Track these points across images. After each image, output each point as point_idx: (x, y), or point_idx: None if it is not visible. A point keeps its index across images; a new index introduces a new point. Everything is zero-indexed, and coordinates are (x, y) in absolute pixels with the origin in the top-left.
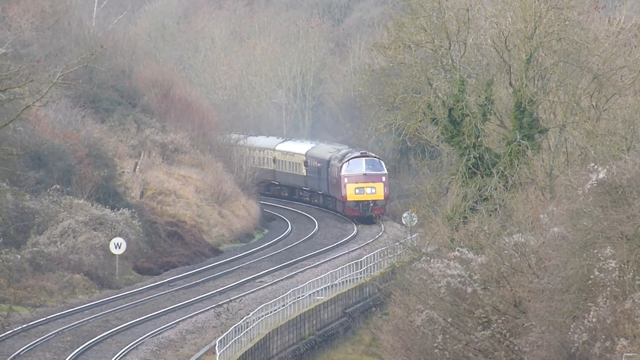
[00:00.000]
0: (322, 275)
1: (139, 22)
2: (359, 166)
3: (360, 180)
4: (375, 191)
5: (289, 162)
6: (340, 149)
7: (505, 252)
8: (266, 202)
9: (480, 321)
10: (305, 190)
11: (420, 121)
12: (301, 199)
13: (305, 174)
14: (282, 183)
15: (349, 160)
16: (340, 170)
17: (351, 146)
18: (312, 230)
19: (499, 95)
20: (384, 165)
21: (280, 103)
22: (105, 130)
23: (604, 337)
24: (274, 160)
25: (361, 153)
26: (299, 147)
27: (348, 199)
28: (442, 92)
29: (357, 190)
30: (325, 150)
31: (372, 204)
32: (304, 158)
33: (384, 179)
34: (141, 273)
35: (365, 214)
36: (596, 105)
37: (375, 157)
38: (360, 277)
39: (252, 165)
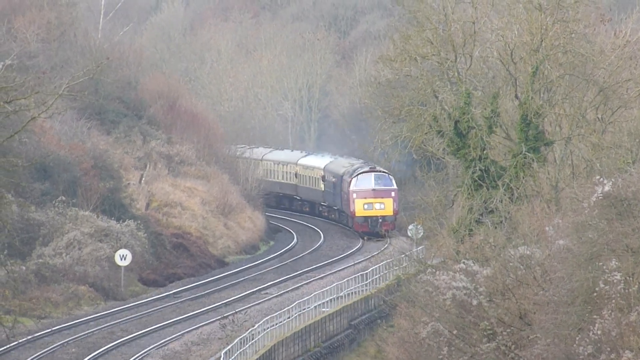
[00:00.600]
0: (328, 287)
1: (145, 34)
2: (368, 181)
3: (369, 195)
4: (385, 207)
5: (309, 176)
6: (354, 163)
7: (511, 264)
8: (279, 215)
9: (485, 333)
10: (323, 205)
11: (426, 133)
12: (321, 215)
13: (323, 189)
14: (303, 198)
15: (357, 175)
16: (349, 186)
17: (366, 160)
18: (317, 242)
19: (504, 107)
20: (393, 181)
21: (286, 115)
22: (111, 142)
23: (609, 349)
24: (296, 174)
25: (370, 168)
26: (318, 162)
27: (357, 215)
28: (448, 105)
29: (365, 206)
30: (341, 164)
31: (381, 220)
32: (322, 173)
33: (393, 194)
34: (146, 284)
35: (374, 230)
36: (602, 118)
37: (384, 172)
38: (366, 289)
39: (275, 180)
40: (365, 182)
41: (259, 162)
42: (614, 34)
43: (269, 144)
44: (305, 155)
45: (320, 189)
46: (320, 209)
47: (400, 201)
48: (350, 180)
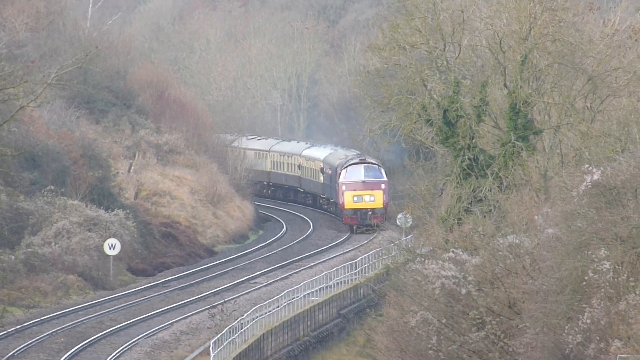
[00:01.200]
0: (317, 276)
1: (134, 23)
2: (358, 173)
3: (359, 187)
4: (374, 199)
5: (311, 168)
6: (349, 155)
7: (500, 253)
8: (270, 204)
9: (474, 322)
10: (323, 198)
11: (415, 122)
12: (321, 207)
13: (322, 181)
14: (306, 190)
15: (347, 167)
16: (339, 177)
17: (362, 152)
18: (307, 231)
19: (493, 96)
20: (383, 172)
21: (275, 104)
22: (100, 131)
23: (598, 338)
24: (299, 166)
25: (360, 159)
26: (319, 153)
27: (346, 207)
28: (436, 94)
29: (355, 198)
30: (338, 156)
31: (370, 212)
32: (321, 164)
33: (383, 186)
34: (135, 274)
35: (364, 223)
36: (591, 106)
37: (374, 163)
38: (355, 278)
39: (280, 172)
40: (354, 174)
41: (266, 153)
42: (603, 22)
43: (261, 133)
44: (309, 147)
45: (319, 181)
46: (321, 201)
47: (389, 190)
48: (340, 172)
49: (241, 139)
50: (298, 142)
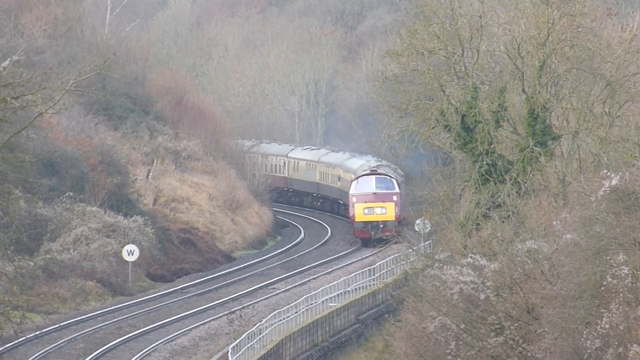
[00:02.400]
0: (335, 282)
1: (152, 30)
2: (369, 185)
3: (370, 199)
4: (386, 211)
5: (331, 174)
6: (363, 163)
7: (518, 258)
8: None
9: (493, 328)
10: (340, 203)
11: (433, 128)
12: (339, 213)
13: (340, 187)
14: (324, 196)
15: (357, 178)
16: (349, 189)
17: (379, 159)
18: (325, 236)
19: (512, 102)
20: (396, 184)
21: (293, 110)
22: (118, 137)
23: (616, 343)
24: (318, 172)
25: (371, 170)
26: (337, 159)
27: (356, 220)
28: (455, 99)
29: (366, 211)
30: (356, 163)
31: (382, 225)
32: (340, 171)
33: (395, 198)
34: (154, 280)
35: (375, 236)
36: (609, 112)
37: (386, 175)
38: (373, 284)
39: (299, 179)
40: (365, 185)
41: (315, 164)
42: (621, 27)
43: (277, 139)
44: (327, 153)
45: (337, 187)
46: (339, 208)
47: (407, 197)
48: (351, 183)
49: (289, 149)
50: (343, 153)
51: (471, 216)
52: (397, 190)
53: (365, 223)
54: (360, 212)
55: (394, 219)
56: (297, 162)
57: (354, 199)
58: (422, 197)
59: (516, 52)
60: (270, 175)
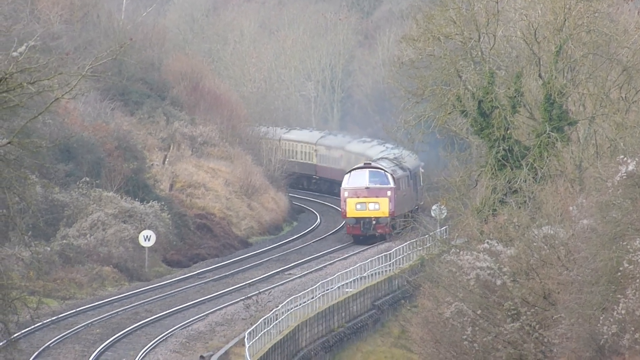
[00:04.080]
0: (351, 268)
1: (168, 15)
2: (362, 179)
3: (362, 194)
4: (379, 207)
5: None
6: (387, 147)
7: (535, 244)
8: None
9: (509, 313)
10: None
11: (449, 113)
12: None
13: None
14: None
15: (350, 171)
16: (342, 183)
17: (403, 148)
18: (341, 222)
19: (528, 87)
20: (390, 178)
21: (309, 95)
22: (135, 122)
23: (633, 328)
24: (343, 160)
25: (365, 164)
26: (361, 148)
27: (348, 215)
28: (471, 84)
29: (358, 206)
30: (378, 150)
31: (374, 222)
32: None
33: (389, 193)
34: (170, 265)
35: (367, 233)
36: (625, 97)
37: (381, 168)
38: (390, 270)
39: (326, 166)
40: (358, 179)
41: (321, 147)
42: (638, 12)
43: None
44: (351, 141)
45: None
46: None
47: (424, 181)
48: (343, 177)
49: (319, 136)
50: (371, 140)
51: (487, 202)
52: (391, 185)
53: (357, 219)
54: (352, 207)
55: (387, 215)
56: (327, 149)
57: (346, 194)
58: (438, 182)
59: (533, 37)
60: (298, 163)
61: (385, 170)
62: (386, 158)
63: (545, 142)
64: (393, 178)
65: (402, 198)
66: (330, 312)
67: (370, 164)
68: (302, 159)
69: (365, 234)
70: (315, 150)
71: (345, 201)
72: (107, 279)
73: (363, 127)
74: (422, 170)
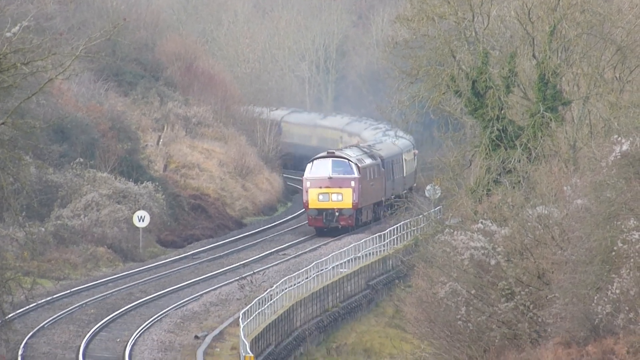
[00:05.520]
0: (345, 248)
1: None
2: (324, 168)
3: (325, 184)
4: (342, 198)
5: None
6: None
7: (529, 224)
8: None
9: (503, 293)
10: None
11: (443, 93)
12: None
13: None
14: None
15: (313, 160)
16: (304, 173)
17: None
18: None
19: (522, 67)
20: (355, 168)
21: (303, 76)
22: (129, 103)
23: (627, 308)
24: (342, 141)
25: (328, 152)
26: (359, 128)
27: (310, 207)
28: (465, 65)
29: (320, 197)
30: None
31: (337, 213)
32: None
33: (353, 184)
34: (165, 246)
35: (330, 225)
36: (620, 77)
37: (345, 158)
38: (384, 250)
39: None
40: (321, 169)
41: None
42: None
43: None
44: (349, 122)
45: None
46: None
47: (419, 161)
48: (306, 167)
49: (346, 121)
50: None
51: (482, 182)
52: (356, 175)
53: (320, 211)
54: (314, 198)
55: (350, 207)
56: (354, 136)
57: (308, 184)
58: (432, 162)
59: (527, 17)
60: (323, 149)
61: (349, 160)
62: (356, 146)
63: (539, 122)
64: (358, 168)
65: (369, 189)
66: (324, 292)
67: (333, 152)
68: (300, 142)
69: (327, 226)
70: (340, 137)
71: (307, 191)
72: (102, 259)
73: (357, 107)
74: (416, 152)
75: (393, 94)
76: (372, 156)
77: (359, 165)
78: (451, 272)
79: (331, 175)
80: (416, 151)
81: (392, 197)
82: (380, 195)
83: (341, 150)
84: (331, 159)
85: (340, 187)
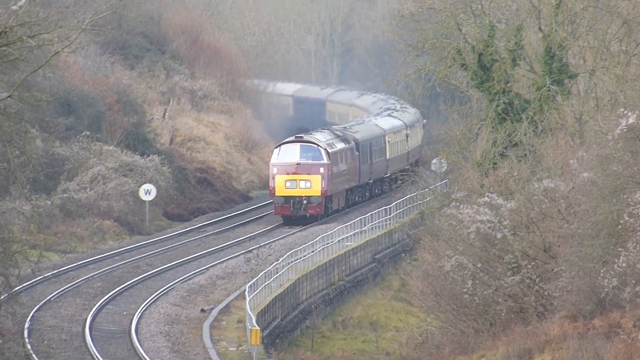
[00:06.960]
0: (351, 222)
1: None
2: (292, 154)
3: (292, 171)
4: (311, 185)
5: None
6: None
7: (535, 197)
8: None
9: (509, 266)
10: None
11: (449, 67)
12: None
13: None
14: None
15: (280, 145)
16: (271, 158)
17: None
18: None
19: (528, 40)
20: (324, 154)
21: (309, 49)
22: (135, 76)
23: (634, 282)
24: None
25: (296, 137)
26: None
27: (276, 194)
28: (471, 38)
29: (288, 184)
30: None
31: (305, 201)
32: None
33: (322, 170)
34: (171, 219)
35: (297, 214)
36: (626, 50)
37: (314, 143)
38: (390, 223)
39: None
40: (289, 154)
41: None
42: None
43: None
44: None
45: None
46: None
47: (424, 135)
48: (273, 152)
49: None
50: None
51: (488, 155)
52: (325, 161)
53: (287, 198)
54: (280, 185)
55: (319, 194)
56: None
57: (275, 170)
58: (438, 136)
59: None
60: None
61: (318, 145)
62: (329, 129)
63: (545, 95)
64: (327, 153)
65: (340, 175)
66: (330, 266)
67: (302, 137)
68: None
69: (295, 214)
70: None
71: (273, 178)
72: (108, 232)
73: (362, 81)
74: (424, 121)
75: (399, 67)
76: (345, 140)
77: (329, 150)
78: (457, 246)
79: (299, 161)
80: (424, 120)
81: (370, 181)
82: (354, 180)
83: (310, 134)
84: (299, 143)
85: (308, 174)
